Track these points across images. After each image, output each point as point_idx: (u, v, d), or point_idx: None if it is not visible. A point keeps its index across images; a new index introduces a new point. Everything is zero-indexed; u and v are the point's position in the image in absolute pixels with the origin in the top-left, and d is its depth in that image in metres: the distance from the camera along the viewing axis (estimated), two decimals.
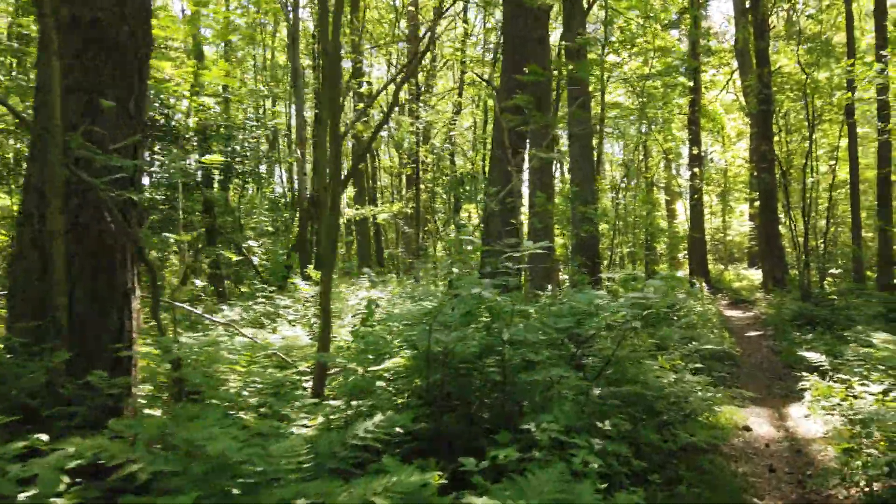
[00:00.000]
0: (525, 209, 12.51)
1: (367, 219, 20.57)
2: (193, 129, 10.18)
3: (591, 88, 18.12)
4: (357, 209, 22.36)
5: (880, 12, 13.75)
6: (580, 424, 3.26)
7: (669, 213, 33.57)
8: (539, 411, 3.67)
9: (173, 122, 10.23)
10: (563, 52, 14.82)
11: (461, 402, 4.03)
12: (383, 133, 28.13)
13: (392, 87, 13.91)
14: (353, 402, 4.66)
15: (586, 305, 3.83)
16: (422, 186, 18.58)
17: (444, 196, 20.47)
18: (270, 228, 14.40)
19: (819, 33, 17.85)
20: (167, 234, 6.89)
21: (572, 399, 3.64)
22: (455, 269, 7.54)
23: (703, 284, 16.93)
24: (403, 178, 24.76)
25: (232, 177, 10.57)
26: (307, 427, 4.18)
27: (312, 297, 9.29)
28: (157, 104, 9.69)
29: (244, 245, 11.26)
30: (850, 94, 12.99)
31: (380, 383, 4.95)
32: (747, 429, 5.91)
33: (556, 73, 13.87)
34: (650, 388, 4.69)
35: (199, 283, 8.74)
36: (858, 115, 17.27)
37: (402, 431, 3.84)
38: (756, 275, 24.84)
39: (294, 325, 8.11)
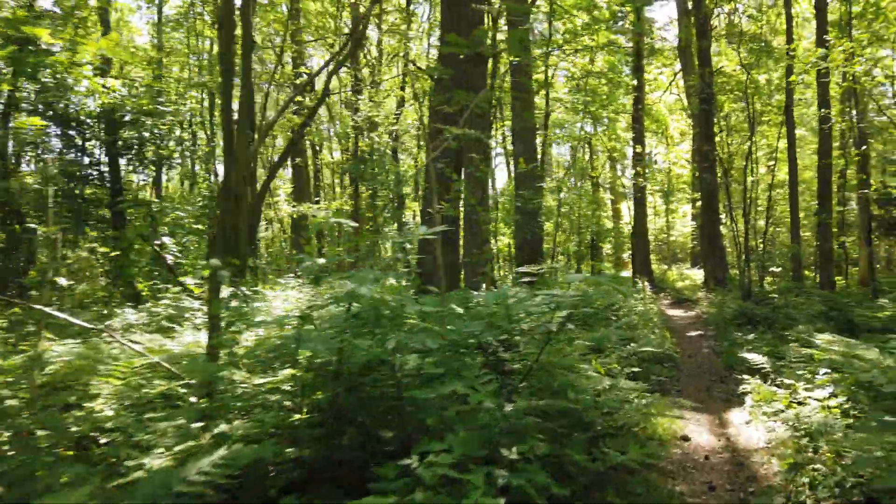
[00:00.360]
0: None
1: (308, 217, 19.67)
2: (95, 113, 9.17)
3: (533, 79, 17.76)
4: (294, 206, 21.42)
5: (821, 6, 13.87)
6: (484, 452, 2.65)
7: (615, 214, 33.76)
8: (446, 431, 3.07)
9: (72, 107, 9.21)
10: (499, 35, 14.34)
11: (354, 423, 3.38)
12: (327, 128, 27.21)
13: (330, 76, 13.10)
14: (236, 423, 3.96)
15: (496, 306, 3.23)
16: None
17: (390, 191, 19.77)
18: (194, 224, 13.38)
19: (760, 34, 17.98)
20: (31, 225, 5.97)
21: (482, 417, 3.04)
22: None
23: (646, 284, 16.78)
24: (348, 175, 23.92)
25: (140, 165, 9.58)
26: (162, 457, 3.45)
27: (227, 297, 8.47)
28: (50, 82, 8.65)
29: (157, 241, 10.29)
30: (793, 79, 12.93)
31: (274, 397, 4.27)
32: (686, 438, 5.45)
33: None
34: (579, 399, 4.15)
35: (63, 281, 7.74)
36: (797, 117, 17.46)
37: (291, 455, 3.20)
38: (698, 274, 25.10)
39: (200, 330, 7.28)
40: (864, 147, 11.93)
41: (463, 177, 11.19)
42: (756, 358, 6.02)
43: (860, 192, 14.15)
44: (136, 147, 9.25)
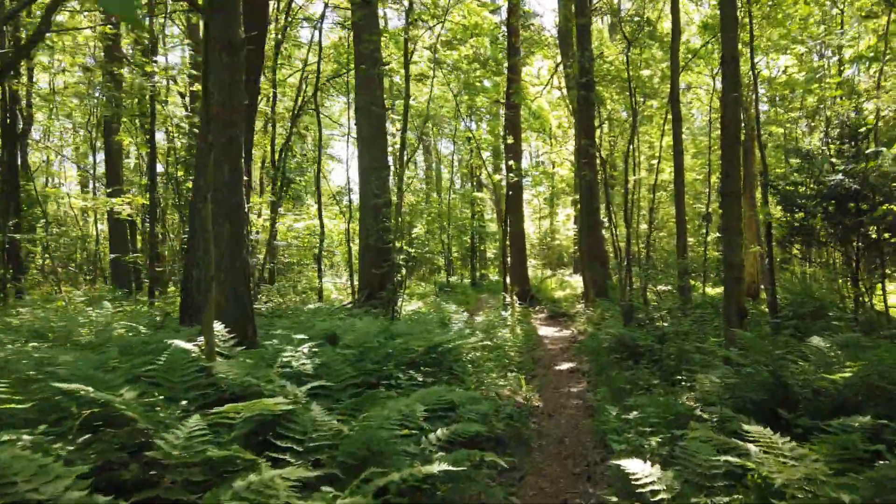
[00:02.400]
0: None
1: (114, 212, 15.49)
2: None
3: (384, 54, 14.78)
4: (85, 198, 17.07)
5: None
6: None
7: (499, 216, 31.65)
8: None
9: None
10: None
11: None
12: None
13: None
14: None
15: None
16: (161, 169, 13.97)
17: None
18: None
19: (642, 16, 16.12)
20: None
21: None
22: None
23: (514, 298, 14.30)
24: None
25: None
26: None
27: None
28: None
29: None
30: (682, 62, 10.82)
31: None
32: None
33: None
34: None
35: None
36: (684, 111, 15.68)
37: None
38: (580, 281, 23.31)
39: None
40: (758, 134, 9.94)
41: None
42: (638, 469, 3.26)
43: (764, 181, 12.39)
44: None
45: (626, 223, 11.54)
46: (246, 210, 6.47)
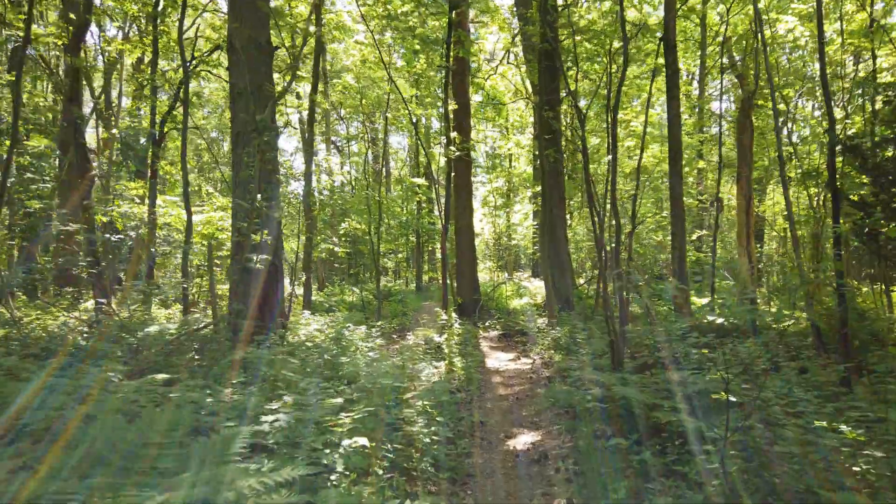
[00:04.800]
0: None
1: None
2: None
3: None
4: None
5: None
6: None
7: (440, 206, 27.92)
8: None
9: None
10: None
11: None
12: None
13: None
14: None
15: None
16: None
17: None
18: None
19: None
20: None
21: None
22: None
23: (452, 315, 10.78)
24: None
25: None
26: None
27: None
28: None
29: None
30: None
31: None
32: None
33: None
34: None
35: None
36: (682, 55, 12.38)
37: None
38: (540, 287, 19.99)
39: None
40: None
41: None
42: None
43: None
44: None
45: (593, 214, 8.06)
46: None
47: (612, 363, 6.27)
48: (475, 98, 22.56)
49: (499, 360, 9.48)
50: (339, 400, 4.06)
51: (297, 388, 4.65)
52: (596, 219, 7.41)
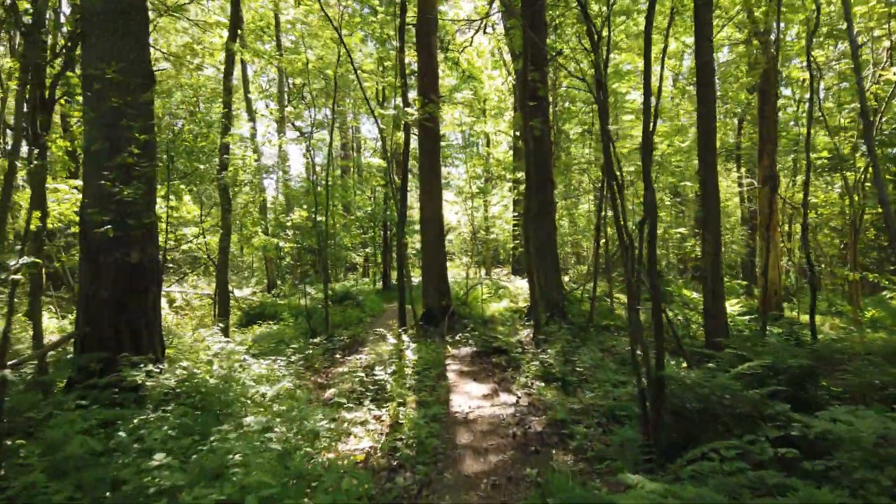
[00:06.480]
0: None
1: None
2: None
3: None
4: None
5: None
6: None
7: (394, 190, 25.18)
8: None
9: None
10: None
11: None
12: None
13: None
14: None
15: None
16: None
17: None
18: None
19: None
20: None
21: None
22: None
23: (403, 336, 8.22)
24: None
25: None
26: None
27: None
28: None
29: None
30: None
31: None
32: None
33: None
34: None
35: None
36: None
37: None
38: (521, 286, 17.48)
39: None
40: None
41: None
42: None
43: None
44: None
45: (617, 191, 5.55)
46: None
47: (643, 430, 3.74)
48: (447, 81, 19.90)
49: (470, 396, 6.91)
50: None
51: None
52: (619, 198, 4.88)
